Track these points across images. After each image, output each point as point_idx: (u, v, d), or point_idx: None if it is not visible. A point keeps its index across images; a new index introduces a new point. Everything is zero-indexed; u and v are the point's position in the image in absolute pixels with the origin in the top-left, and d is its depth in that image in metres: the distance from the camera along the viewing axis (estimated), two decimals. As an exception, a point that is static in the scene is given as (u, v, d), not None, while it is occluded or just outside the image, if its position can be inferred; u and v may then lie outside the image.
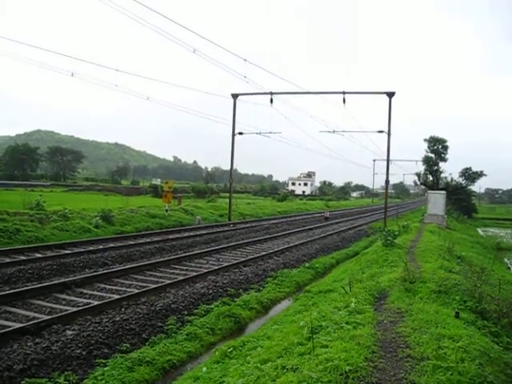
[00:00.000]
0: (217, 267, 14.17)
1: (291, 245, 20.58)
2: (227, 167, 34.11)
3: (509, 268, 19.71)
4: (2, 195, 23.22)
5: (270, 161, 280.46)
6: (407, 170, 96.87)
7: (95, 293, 10.66)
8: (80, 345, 7.32)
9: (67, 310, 8.85)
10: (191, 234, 22.20)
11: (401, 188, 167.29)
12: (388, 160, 30.60)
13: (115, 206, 28.29)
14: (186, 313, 9.79)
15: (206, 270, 13.54)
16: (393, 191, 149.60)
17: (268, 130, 33.00)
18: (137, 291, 10.55)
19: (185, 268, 14.24)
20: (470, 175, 56.97)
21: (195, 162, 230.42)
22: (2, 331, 7.27)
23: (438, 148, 55.48)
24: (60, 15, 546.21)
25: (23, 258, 13.59)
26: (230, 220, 30.62)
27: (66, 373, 6.42)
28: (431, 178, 57.59)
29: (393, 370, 4.78)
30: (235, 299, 11.19)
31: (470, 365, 4.80)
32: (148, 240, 18.93)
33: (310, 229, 29.37)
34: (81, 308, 8.97)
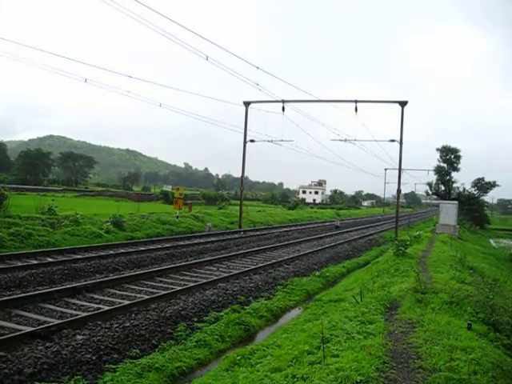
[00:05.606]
0: (227, 274, 14.15)
1: (301, 253, 20.50)
2: (238, 174, 34.18)
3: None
4: (15, 199, 23.36)
5: (281, 168, 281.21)
6: (419, 179, 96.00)
7: (105, 298, 10.70)
8: (90, 350, 7.35)
9: (78, 315, 8.89)
10: (202, 240, 22.22)
11: (412, 197, 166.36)
12: (400, 169, 30.37)
13: (126, 211, 28.44)
14: (195, 320, 9.78)
15: (216, 277, 13.52)
16: (404, 200, 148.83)
17: (280, 138, 32.94)
18: (147, 297, 10.56)
19: (195, 275, 14.25)
20: (483, 185, 56.46)
21: (206, 169, 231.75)
22: (13, 335, 7.32)
23: (450, 158, 55.15)
24: (75, 22, 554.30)
25: (35, 262, 13.68)
26: (240, 227, 30.60)
27: (75, 377, 6.42)
28: (443, 188, 57.19)
29: (404, 382, 4.74)
30: (245, 307, 11.15)
31: (482, 377, 4.75)
32: (158, 246, 18.99)
33: (321, 237, 29.26)
34: (91, 313, 8.99)
